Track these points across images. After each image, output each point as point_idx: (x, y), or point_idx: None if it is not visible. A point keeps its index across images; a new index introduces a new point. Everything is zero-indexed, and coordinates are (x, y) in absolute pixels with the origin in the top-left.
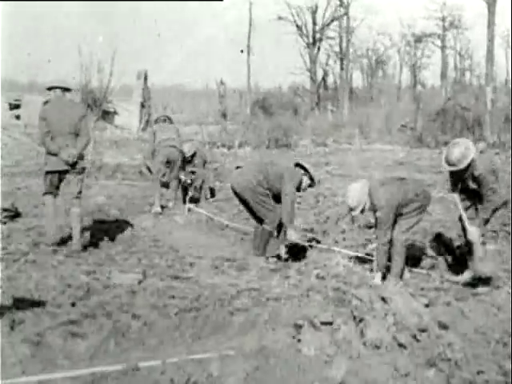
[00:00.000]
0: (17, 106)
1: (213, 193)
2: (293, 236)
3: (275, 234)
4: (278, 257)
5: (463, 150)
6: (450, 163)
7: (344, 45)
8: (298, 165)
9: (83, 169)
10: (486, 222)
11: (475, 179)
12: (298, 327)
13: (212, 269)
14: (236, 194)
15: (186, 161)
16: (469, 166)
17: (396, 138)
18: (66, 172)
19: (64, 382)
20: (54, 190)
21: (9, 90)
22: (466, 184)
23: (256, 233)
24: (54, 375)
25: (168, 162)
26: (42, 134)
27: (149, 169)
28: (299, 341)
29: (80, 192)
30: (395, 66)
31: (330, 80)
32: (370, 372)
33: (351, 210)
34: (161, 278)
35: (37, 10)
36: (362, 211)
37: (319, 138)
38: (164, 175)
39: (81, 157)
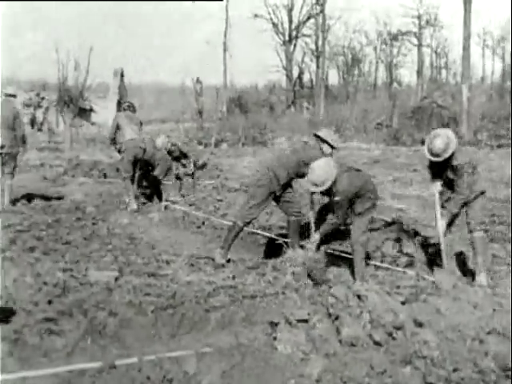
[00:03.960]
0: None
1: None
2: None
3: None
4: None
5: (446, 140)
6: (433, 154)
7: (320, 43)
8: (316, 135)
9: None
10: (455, 216)
11: (453, 169)
12: (274, 325)
13: (188, 266)
14: None
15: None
16: (451, 155)
17: (372, 136)
18: None
19: (41, 380)
20: None
21: None
22: (446, 175)
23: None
24: (31, 373)
25: (135, 162)
26: None
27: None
28: (275, 338)
29: None
30: (371, 64)
31: (306, 78)
32: (345, 369)
33: (317, 186)
34: (137, 275)
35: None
36: (328, 190)
37: (295, 136)
38: (134, 174)
39: None
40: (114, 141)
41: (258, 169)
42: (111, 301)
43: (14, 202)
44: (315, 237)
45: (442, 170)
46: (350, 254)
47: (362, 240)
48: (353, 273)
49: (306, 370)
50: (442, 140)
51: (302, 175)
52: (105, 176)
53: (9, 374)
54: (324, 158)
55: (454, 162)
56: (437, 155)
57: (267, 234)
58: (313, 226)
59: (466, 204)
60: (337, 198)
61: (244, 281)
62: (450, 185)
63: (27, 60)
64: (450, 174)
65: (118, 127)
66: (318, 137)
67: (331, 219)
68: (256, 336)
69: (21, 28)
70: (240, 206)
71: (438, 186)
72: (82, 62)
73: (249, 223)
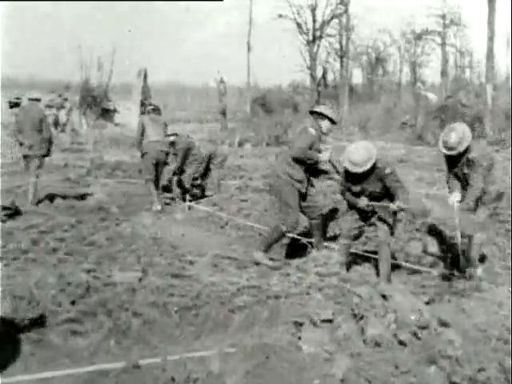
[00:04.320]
0: (17, 104)
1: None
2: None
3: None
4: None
5: (461, 134)
6: (448, 147)
7: (344, 42)
8: (313, 112)
9: None
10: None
11: (468, 163)
12: (299, 325)
13: (212, 266)
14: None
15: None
16: (466, 149)
17: (396, 136)
18: None
19: (65, 380)
20: None
21: (9, 88)
22: (461, 170)
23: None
24: (54, 373)
25: (157, 164)
26: None
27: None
28: (299, 338)
29: None
30: (395, 64)
31: (330, 77)
32: (370, 369)
33: (359, 166)
34: (161, 275)
35: (38, 8)
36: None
37: None
38: (156, 175)
39: None
40: (140, 144)
41: (272, 178)
42: (135, 301)
43: (37, 202)
44: (363, 200)
45: (457, 165)
46: (374, 253)
47: (390, 240)
48: (378, 273)
49: (331, 369)
50: (457, 134)
51: (316, 162)
52: (128, 176)
53: (32, 374)
54: (361, 141)
55: (470, 156)
56: (451, 149)
57: (291, 235)
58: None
59: (480, 199)
60: (387, 171)
61: (268, 281)
62: (465, 181)
63: (49, 61)
64: (465, 169)
65: (143, 130)
66: (315, 113)
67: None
68: (280, 336)
69: (42, 29)
70: (281, 213)
71: (457, 196)
72: (105, 62)
73: (294, 229)
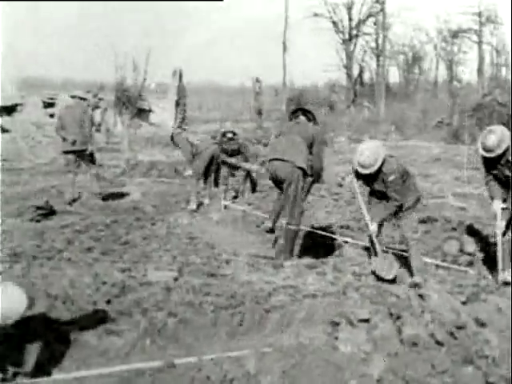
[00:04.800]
0: (51, 105)
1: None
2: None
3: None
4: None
5: (500, 136)
6: (486, 149)
7: (380, 41)
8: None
9: None
10: None
11: (508, 164)
12: (335, 324)
13: (248, 266)
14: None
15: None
16: (505, 152)
17: (432, 134)
18: None
19: (100, 379)
20: None
21: (42, 89)
22: (502, 172)
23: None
24: (89, 372)
25: (211, 161)
26: None
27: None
28: (336, 338)
29: None
30: (432, 62)
31: (367, 76)
32: (407, 369)
33: (367, 167)
34: (196, 275)
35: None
36: (377, 171)
37: (355, 135)
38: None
39: None
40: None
41: (283, 171)
42: (170, 301)
43: (71, 202)
44: (372, 227)
45: (497, 167)
46: (404, 251)
47: (416, 237)
48: (409, 269)
49: (368, 369)
50: (496, 136)
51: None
52: (164, 176)
53: (67, 373)
54: (371, 140)
55: (510, 157)
56: (490, 151)
57: (327, 234)
58: (366, 214)
59: None
60: (391, 178)
61: (304, 280)
62: (505, 184)
63: (83, 62)
64: (506, 171)
65: None
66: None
67: (387, 204)
68: (316, 336)
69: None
70: (287, 207)
71: (499, 205)
72: (140, 62)
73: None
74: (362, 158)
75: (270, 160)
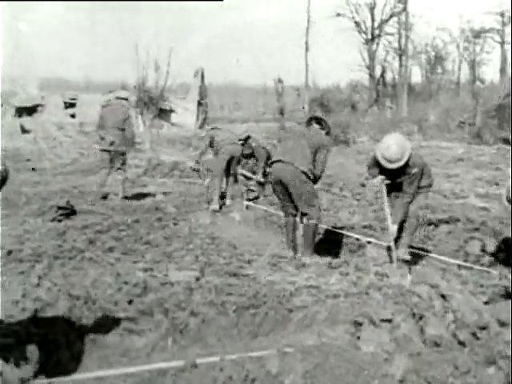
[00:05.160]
0: (72, 105)
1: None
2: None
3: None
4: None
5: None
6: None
7: (403, 41)
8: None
9: None
10: None
11: None
12: (358, 324)
13: (270, 266)
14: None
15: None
16: None
17: (455, 135)
18: None
19: (121, 379)
20: None
21: (64, 89)
22: None
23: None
24: (110, 372)
25: (230, 159)
26: None
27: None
28: (358, 338)
29: None
30: (454, 62)
31: (389, 76)
32: (429, 369)
33: (394, 162)
34: (218, 275)
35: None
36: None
37: (377, 135)
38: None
39: None
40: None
41: (285, 173)
42: (192, 301)
43: (93, 202)
44: (392, 229)
45: None
46: (425, 250)
47: (419, 214)
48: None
49: (390, 369)
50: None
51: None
52: (185, 176)
53: (88, 373)
54: (393, 133)
55: None
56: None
57: (350, 234)
58: (388, 217)
59: None
60: (414, 171)
61: (327, 280)
62: None
63: (105, 62)
64: None
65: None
66: (320, 120)
67: (402, 200)
68: (339, 336)
69: (97, 31)
70: (304, 205)
71: None
72: (161, 62)
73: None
74: (388, 152)
75: (273, 162)
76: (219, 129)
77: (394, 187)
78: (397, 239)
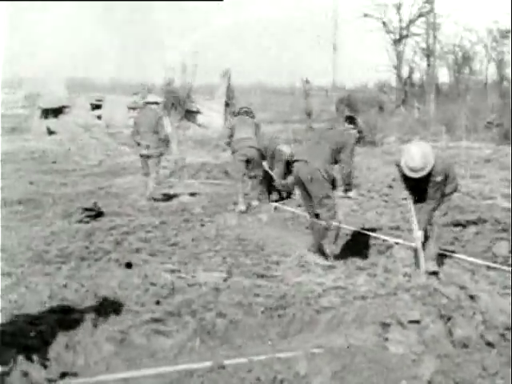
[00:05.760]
0: (98, 107)
1: None
2: None
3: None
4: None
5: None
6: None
7: (430, 41)
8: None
9: None
10: None
11: None
12: (386, 326)
13: (298, 267)
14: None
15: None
16: None
17: (482, 135)
18: None
19: (149, 380)
20: None
21: (90, 90)
22: None
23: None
24: (139, 372)
25: (247, 162)
26: None
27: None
28: (387, 339)
29: None
30: (482, 62)
31: (417, 77)
32: (458, 371)
33: (418, 171)
34: (246, 276)
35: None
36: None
37: (405, 136)
38: (244, 174)
39: None
40: (229, 145)
41: (304, 172)
42: (220, 302)
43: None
44: (418, 234)
45: None
46: (451, 251)
47: (443, 221)
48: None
49: (418, 371)
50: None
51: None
52: (212, 177)
53: (116, 373)
54: (417, 141)
55: None
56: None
57: (377, 235)
58: (415, 223)
59: None
60: (438, 179)
61: (354, 282)
62: None
63: (130, 63)
64: None
65: (232, 131)
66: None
67: (427, 207)
68: (367, 337)
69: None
70: (318, 206)
71: None
72: (188, 64)
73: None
74: (412, 162)
75: (294, 161)
76: (246, 113)
77: (420, 193)
78: (423, 244)
